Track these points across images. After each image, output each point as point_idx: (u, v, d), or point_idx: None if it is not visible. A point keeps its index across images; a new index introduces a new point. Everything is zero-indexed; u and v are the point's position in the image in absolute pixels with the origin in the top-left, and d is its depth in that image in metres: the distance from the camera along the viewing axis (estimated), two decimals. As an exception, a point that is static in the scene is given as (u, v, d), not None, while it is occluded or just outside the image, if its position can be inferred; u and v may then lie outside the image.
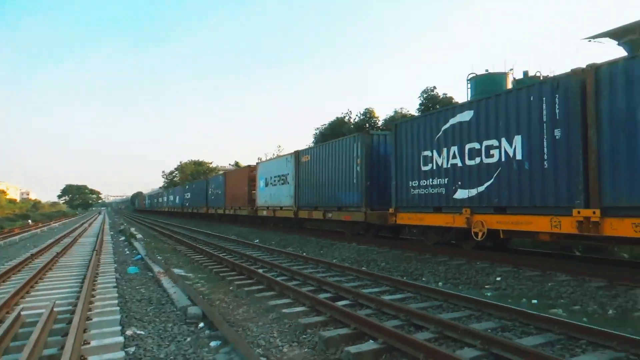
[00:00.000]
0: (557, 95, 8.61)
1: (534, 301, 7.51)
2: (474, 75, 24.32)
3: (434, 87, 28.18)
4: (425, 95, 27.96)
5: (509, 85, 23.95)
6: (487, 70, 24.40)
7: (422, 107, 27.30)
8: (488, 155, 10.14)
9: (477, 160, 10.42)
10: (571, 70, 8.42)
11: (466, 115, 10.76)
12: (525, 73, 25.57)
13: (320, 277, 9.43)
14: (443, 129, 11.47)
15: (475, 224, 10.35)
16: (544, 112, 8.82)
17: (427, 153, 12.03)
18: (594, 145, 7.91)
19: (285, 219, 21.98)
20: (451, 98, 27.17)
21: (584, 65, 8.24)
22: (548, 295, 7.66)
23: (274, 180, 22.60)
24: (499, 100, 9.91)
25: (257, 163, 27.56)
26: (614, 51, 22.50)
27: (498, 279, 8.89)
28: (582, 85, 8.15)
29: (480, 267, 9.89)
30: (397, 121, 15.61)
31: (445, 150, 11.41)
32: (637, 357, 4.67)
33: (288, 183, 20.82)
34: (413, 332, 5.73)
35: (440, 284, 9.26)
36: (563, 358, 4.62)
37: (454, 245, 12.34)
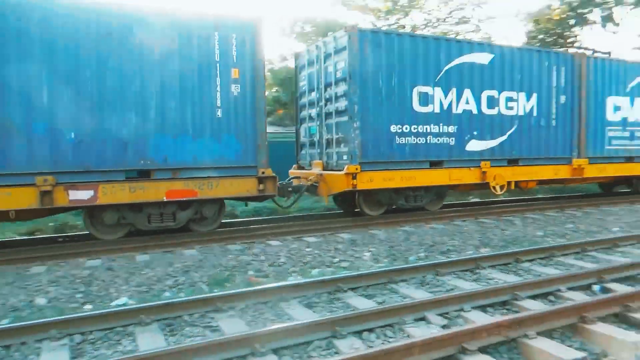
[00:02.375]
0: (563, 68, 10.56)
1: None
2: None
3: None
4: None
5: None
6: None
7: None
8: (507, 107, 9.87)
9: (496, 110, 9.74)
10: (573, 52, 10.71)
11: (474, 57, 9.52)
12: None
13: None
14: (453, 63, 9.19)
15: (494, 177, 9.73)
16: (554, 78, 10.45)
17: (427, 89, 8.96)
18: (584, 112, 10.90)
19: None
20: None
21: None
22: None
23: None
24: (519, 54, 9.96)
25: None
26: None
27: None
28: (579, 65, 10.78)
29: None
30: (357, 28, 8.61)
31: (455, 90, 9.25)
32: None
33: None
34: None
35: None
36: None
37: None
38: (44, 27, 6.35)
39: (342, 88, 8.61)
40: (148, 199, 6.97)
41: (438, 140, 9.20)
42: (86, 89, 6.59)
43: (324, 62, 9.15)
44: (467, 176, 9.52)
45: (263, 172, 7.65)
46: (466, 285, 4.95)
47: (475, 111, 9.52)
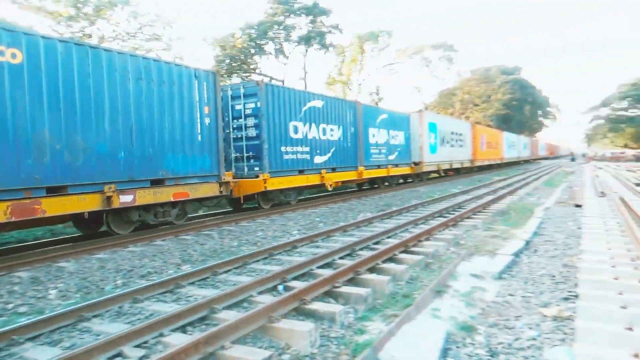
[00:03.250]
0: (352, 111, 16.93)
1: None
2: None
3: None
4: None
5: None
6: None
7: None
8: (331, 135, 15.49)
9: (326, 137, 15.21)
10: (355, 100, 17.17)
11: (318, 103, 14.88)
12: None
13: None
14: (307, 106, 14.21)
15: (327, 179, 15.20)
16: (348, 116, 16.70)
17: (296, 123, 13.69)
18: (362, 137, 17.54)
19: None
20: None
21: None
22: None
23: None
24: (333, 102, 15.75)
25: None
26: None
27: None
28: (357, 109, 17.34)
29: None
30: (266, 83, 12.25)
31: (309, 124, 14.27)
32: None
33: None
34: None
35: None
36: None
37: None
38: (110, 86, 8.54)
39: (252, 121, 12.57)
40: (163, 199, 9.56)
41: (302, 156, 14.09)
42: (129, 120, 8.88)
43: (232, 102, 12.83)
44: (315, 179, 14.72)
45: (223, 179, 11.02)
46: (166, 308, 4.86)
47: (317, 137, 14.83)
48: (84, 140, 8.10)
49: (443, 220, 9.95)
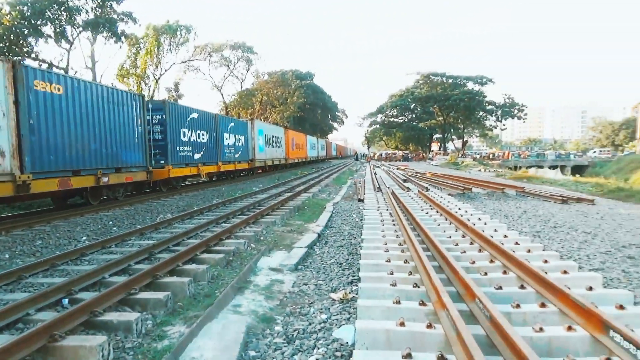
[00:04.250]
0: (212, 120, 22.81)
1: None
2: None
3: None
4: None
5: None
6: None
7: None
8: (203, 138, 21.17)
9: (201, 139, 20.87)
10: (215, 113, 23.06)
11: (195, 115, 20.49)
12: None
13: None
14: (190, 117, 19.73)
15: (202, 171, 20.89)
16: (213, 126, 22.54)
17: (184, 130, 19.15)
18: (220, 141, 23.52)
19: None
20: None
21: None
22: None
23: None
24: (205, 115, 21.49)
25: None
26: None
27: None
28: (217, 120, 23.32)
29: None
30: (168, 101, 17.10)
31: (191, 130, 19.81)
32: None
33: None
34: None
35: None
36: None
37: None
38: (98, 106, 13.24)
39: (158, 128, 17.64)
40: (120, 181, 14.41)
41: (188, 153, 19.61)
42: (106, 128, 13.61)
43: (141, 113, 17.67)
44: (194, 170, 20.33)
45: (149, 169, 16.11)
46: None
47: (196, 140, 20.47)
48: (87, 142, 12.75)
49: (244, 217, 10.25)
